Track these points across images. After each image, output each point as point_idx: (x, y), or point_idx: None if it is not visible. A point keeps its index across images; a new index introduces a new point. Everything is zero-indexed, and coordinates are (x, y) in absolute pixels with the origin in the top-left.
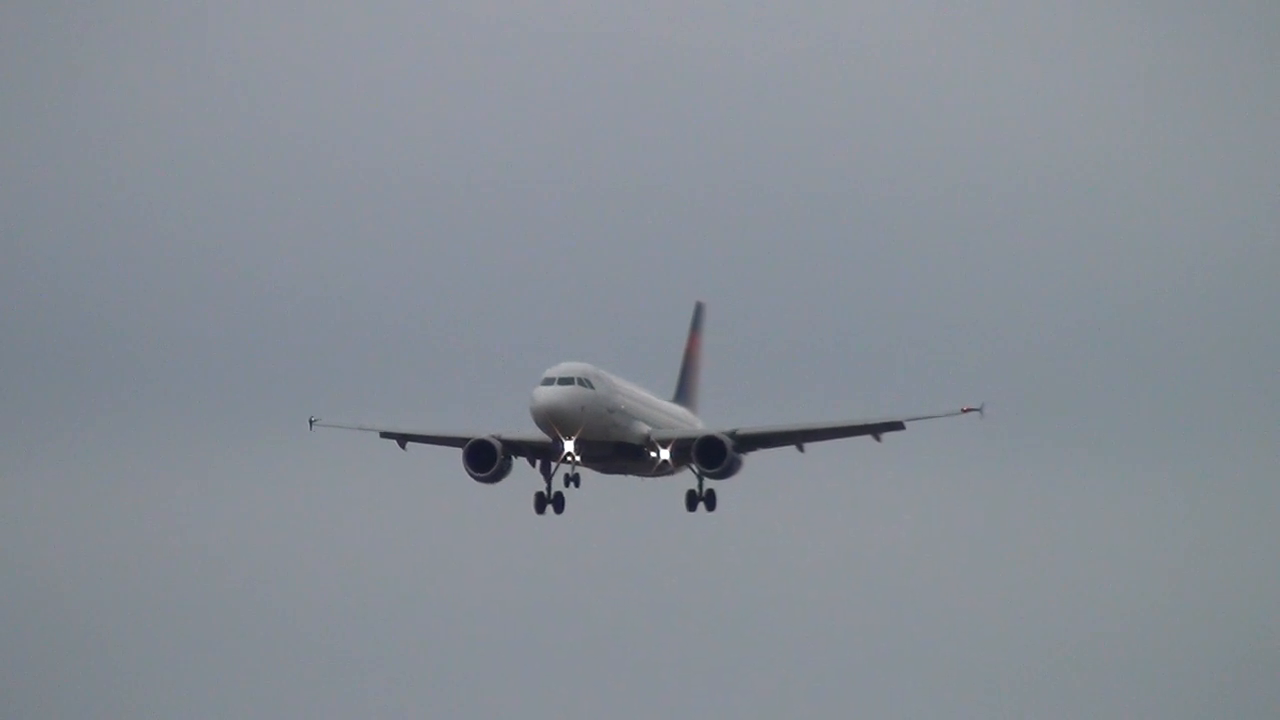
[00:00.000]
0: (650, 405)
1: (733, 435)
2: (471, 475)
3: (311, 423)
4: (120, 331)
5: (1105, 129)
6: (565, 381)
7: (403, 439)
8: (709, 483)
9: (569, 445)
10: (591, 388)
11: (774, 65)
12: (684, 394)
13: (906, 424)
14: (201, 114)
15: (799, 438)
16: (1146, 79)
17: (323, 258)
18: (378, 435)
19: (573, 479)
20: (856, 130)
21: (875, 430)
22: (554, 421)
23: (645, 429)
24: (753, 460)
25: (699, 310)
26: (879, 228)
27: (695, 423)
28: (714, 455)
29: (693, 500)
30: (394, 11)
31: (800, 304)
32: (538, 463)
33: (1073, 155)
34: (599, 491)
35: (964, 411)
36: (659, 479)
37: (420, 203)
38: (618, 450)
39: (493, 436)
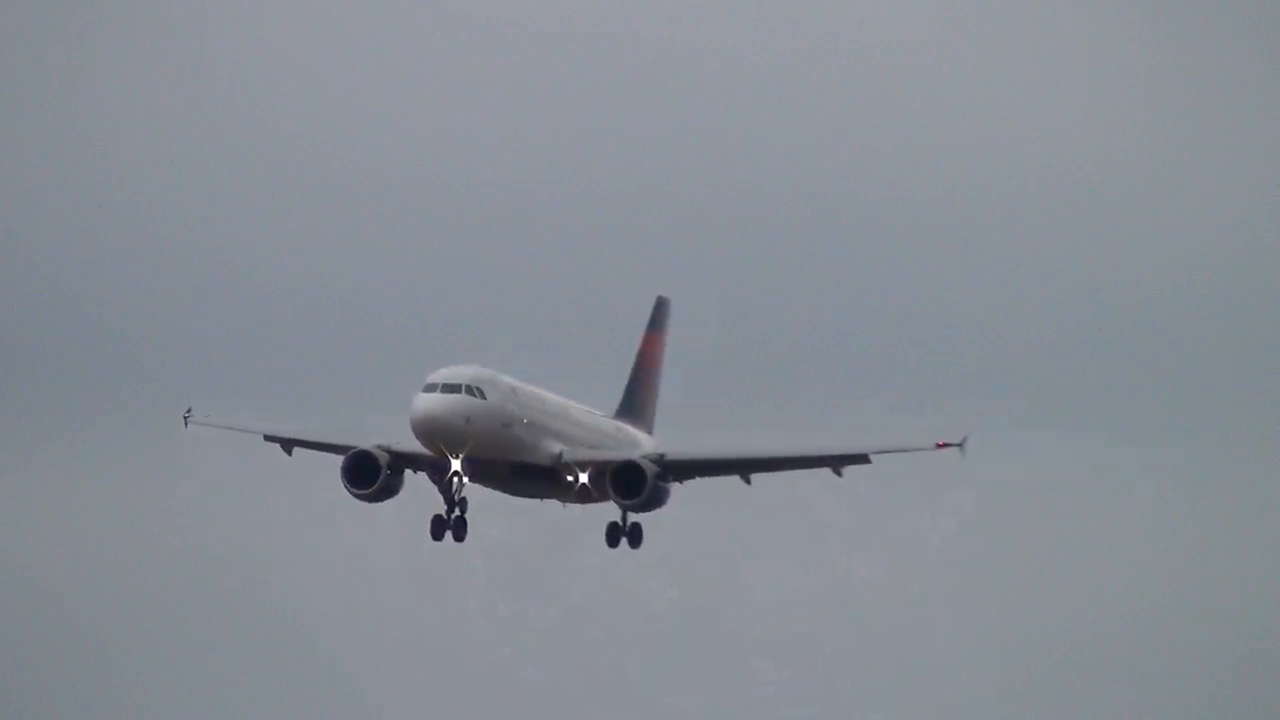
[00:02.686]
0: (568, 419)
1: (660, 461)
2: (350, 491)
3: (186, 419)
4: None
5: (1105, 132)
6: (450, 389)
7: (288, 444)
8: (635, 515)
9: (455, 463)
10: (483, 397)
11: (769, 64)
12: (632, 407)
13: (873, 457)
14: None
15: (743, 467)
16: (1149, 77)
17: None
18: (260, 438)
19: (457, 503)
20: (855, 131)
21: (836, 463)
22: (434, 435)
23: (556, 448)
24: (693, 491)
25: (660, 307)
26: (867, 231)
27: (636, 442)
28: (632, 483)
29: (614, 534)
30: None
31: (778, 313)
32: (440, 480)
33: (1075, 157)
34: (512, 518)
35: (940, 447)
36: (586, 506)
37: (363, 195)
38: (519, 471)
39: (378, 447)
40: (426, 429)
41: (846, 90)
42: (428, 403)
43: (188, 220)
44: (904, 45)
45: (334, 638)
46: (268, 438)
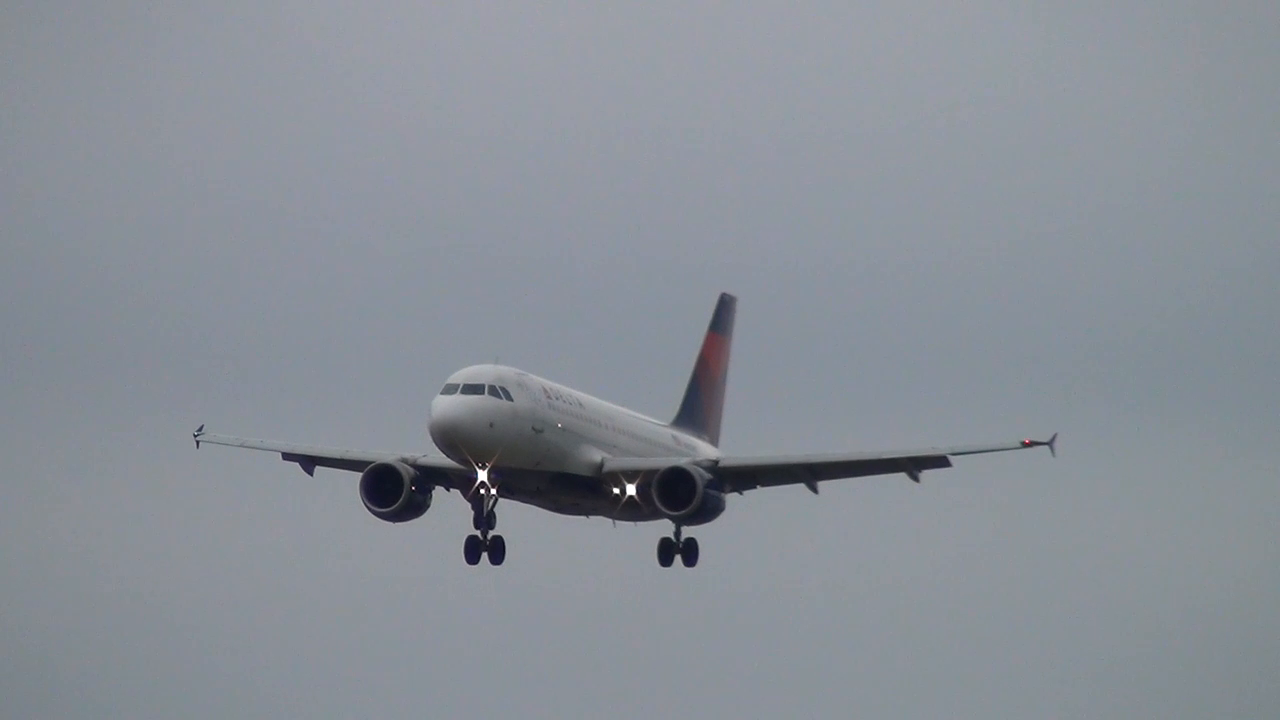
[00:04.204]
0: (611, 425)
1: (713, 468)
2: (371, 510)
3: (197, 438)
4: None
5: (1184, 127)
6: (472, 389)
7: (308, 461)
8: (690, 530)
9: (482, 474)
10: (509, 398)
11: (838, 51)
12: (693, 415)
13: (952, 459)
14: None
15: (809, 473)
16: (1191, 85)
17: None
18: (278, 456)
19: (485, 519)
20: (931, 116)
21: (911, 466)
22: (454, 442)
23: (596, 456)
24: (755, 501)
25: (724, 305)
26: (945, 225)
27: (695, 452)
28: (680, 492)
29: (667, 551)
30: None
31: (851, 311)
32: (475, 497)
33: (1153, 149)
34: (552, 537)
35: (1027, 445)
36: (638, 524)
37: (390, 188)
38: (557, 483)
39: (402, 460)
40: (446, 435)
41: (925, 77)
42: (446, 406)
43: (197, 231)
44: (978, 31)
45: (359, 673)
46: (286, 456)
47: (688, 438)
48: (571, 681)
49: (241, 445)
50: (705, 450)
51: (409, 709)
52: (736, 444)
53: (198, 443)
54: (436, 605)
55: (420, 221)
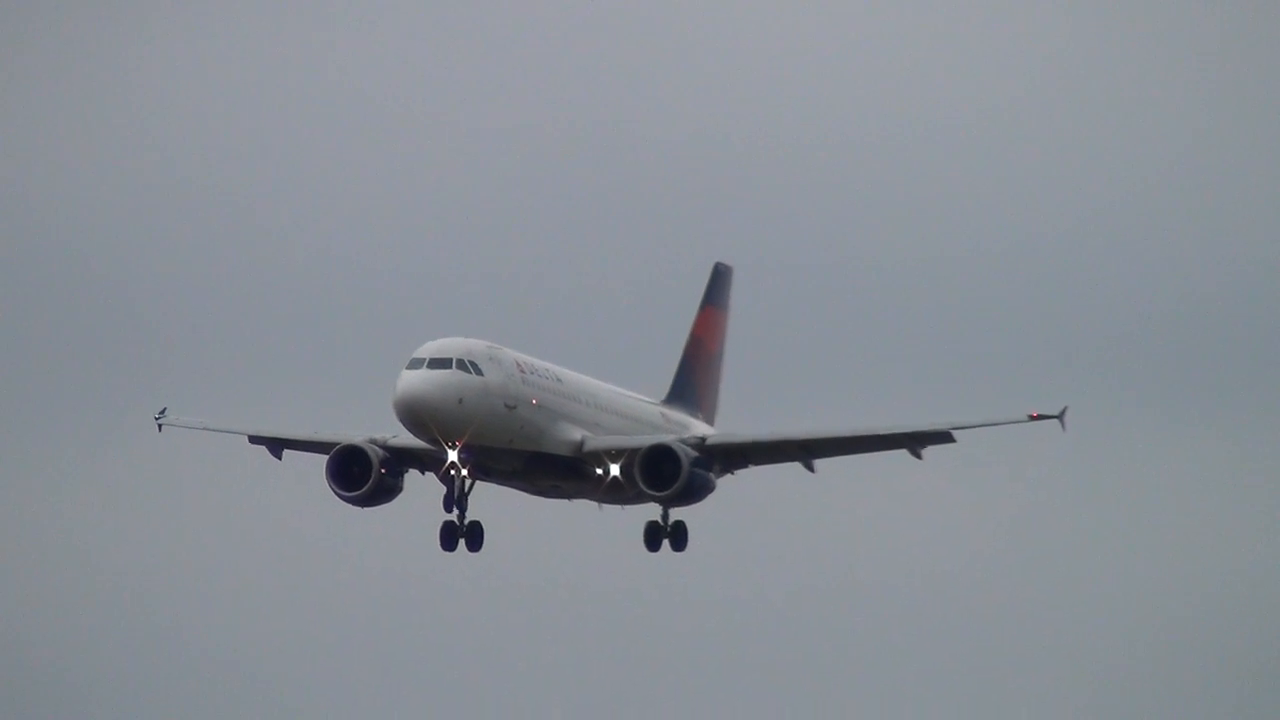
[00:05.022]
0: (592, 401)
1: (700, 446)
2: (338, 494)
3: (159, 421)
4: None
5: (1202, 112)
6: (439, 364)
7: (276, 445)
8: (678, 512)
9: (452, 455)
10: (479, 373)
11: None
12: (686, 393)
13: (956, 435)
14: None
15: (804, 451)
16: (1215, 65)
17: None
18: (244, 440)
19: (455, 502)
20: (939, 85)
21: (913, 442)
22: (420, 419)
23: (576, 434)
24: (748, 481)
25: (720, 277)
26: (949, 191)
27: (687, 429)
28: (665, 472)
29: (654, 535)
30: None
31: (846, 289)
32: (447, 479)
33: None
34: (533, 521)
35: (1034, 419)
36: (625, 507)
37: (365, 156)
38: (535, 464)
39: (371, 441)
40: (411, 412)
41: (932, 42)
42: (412, 381)
43: (159, 210)
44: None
45: (331, 665)
46: (253, 439)
47: (679, 416)
48: (553, 674)
49: (205, 429)
50: (698, 429)
51: (383, 702)
52: (734, 422)
53: (160, 426)
54: (411, 594)
55: (393, 190)
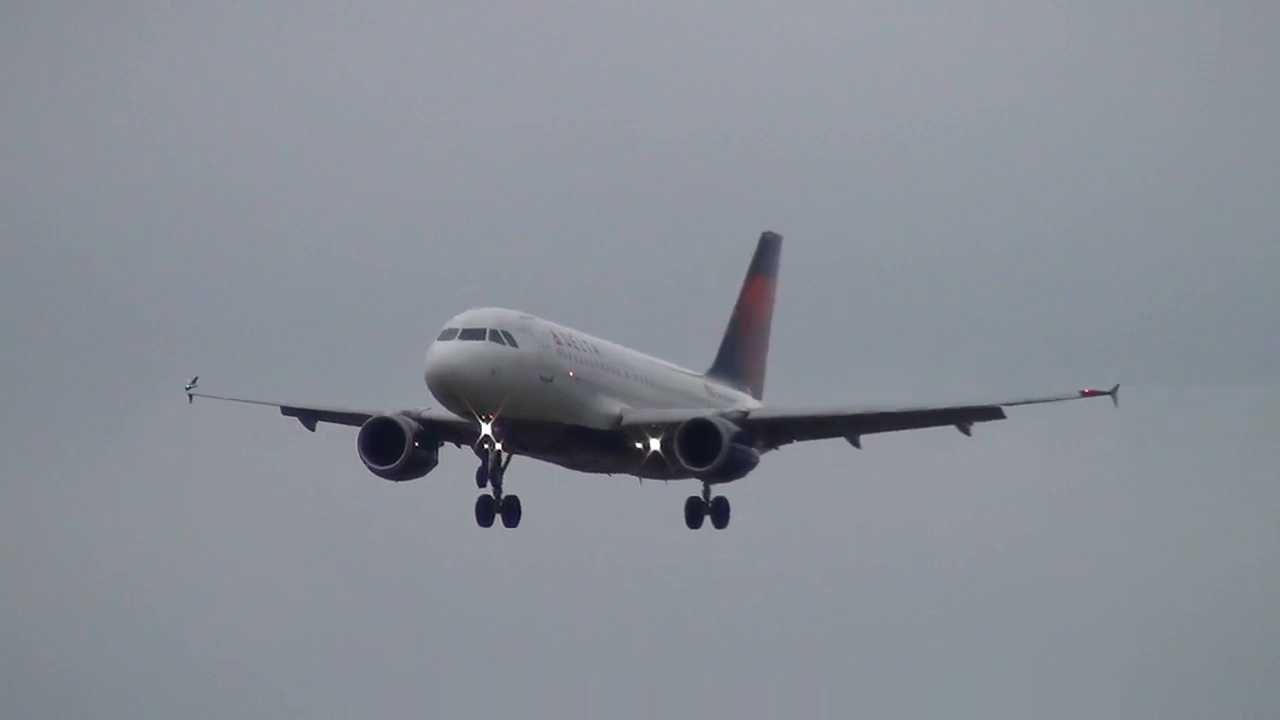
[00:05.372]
0: (632, 373)
1: (742, 420)
2: (370, 467)
3: (190, 392)
4: None
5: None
6: (472, 334)
7: (309, 416)
8: (720, 488)
9: (486, 428)
10: (513, 343)
11: None
12: (732, 365)
13: (1006, 411)
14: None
15: (848, 426)
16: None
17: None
18: (277, 411)
19: (490, 476)
20: (990, 54)
21: (963, 418)
22: (452, 391)
23: (615, 408)
24: (793, 457)
25: (768, 246)
26: (1002, 158)
27: (732, 403)
28: (705, 446)
29: (696, 512)
30: None
31: (897, 259)
32: (482, 453)
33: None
34: (571, 496)
35: (1086, 395)
36: (667, 482)
37: (397, 119)
38: (572, 438)
39: (404, 414)
40: (443, 384)
41: (932, 42)
42: (443, 352)
43: (190, 180)
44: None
45: (365, 644)
46: (285, 410)
47: (724, 389)
48: (591, 654)
49: (237, 400)
50: (744, 402)
51: (417, 681)
52: (782, 396)
53: (190, 397)
54: (446, 570)
55: (429, 156)
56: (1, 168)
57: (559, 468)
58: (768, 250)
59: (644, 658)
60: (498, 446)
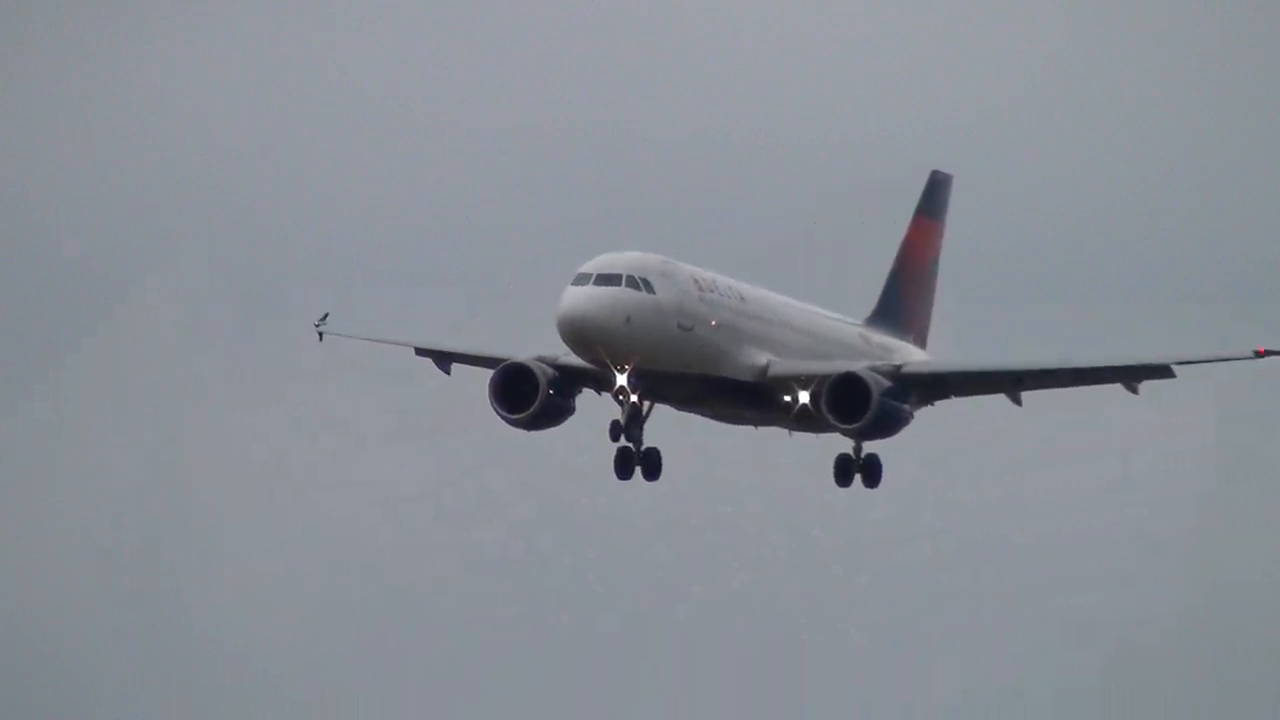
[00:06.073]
0: (781, 321)
1: (894, 374)
2: (501, 415)
3: (320, 330)
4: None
5: None
6: (606, 279)
7: (445, 358)
8: (871, 446)
9: (620, 378)
10: (650, 290)
11: None
12: (894, 313)
13: (1176, 369)
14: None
15: (1009, 383)
16: None
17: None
18: (411, 352)
19: (625, 429)
20: None
21: (1131, 376)
22: (585, 339)
23: (761, 358)
24: (949, 412)
25: (937, 186)
26: (1182, 105)
27: (891, 354)
28: (853, 402)
29: (846, 469)
30: None
31: (1074, 201)
32: (619, 403)
33: None
34: (714, 449)
35: (1261, 355)
36: (819, 435)
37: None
38: (714, 389)
39: (538, 359)
40: (575, 331)
41: (932, 42)
42: (576, 298)
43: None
44: None
45: (499, 599)
46: (419, 351)
47: (883, 339)
48: (731, 614)
49: (369, 339)
50: (907, 353)
51: (557, 641)
52: (948, 347)
53: (320, 335)
54: (580, 526)
55: (429, 156)
56: (1, 168)
57: (702, 419)
58: (937, 190)
59: (787, 619)
60: (633, 397)
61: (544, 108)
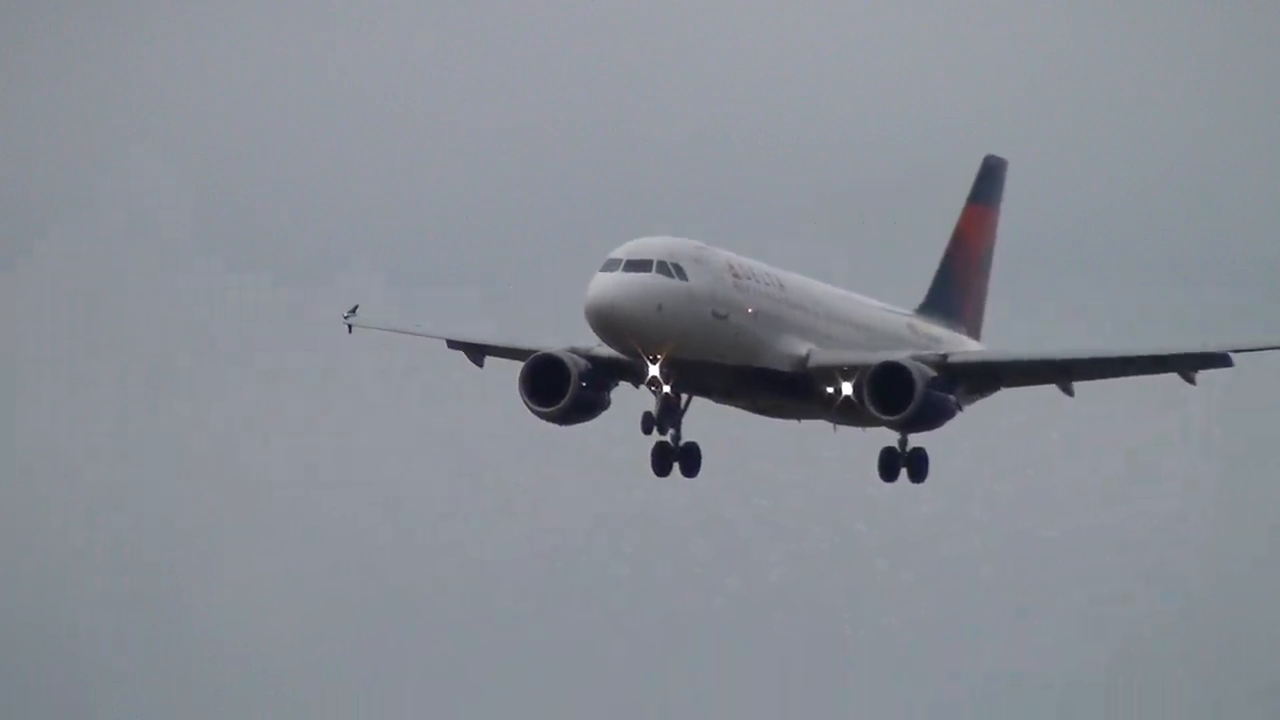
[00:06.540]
0: (822, 310)
1: (940, 364)
2: (531, 408)
3: (349, 322)
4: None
5: None
6: (637, 266)
7: (477, 351)
8: (917, 439)
9: (653, 369)
10: (682, 277)
11: None
12: (945, 302)
13: (1235, 358)
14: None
15: (1060, 373)
16: None
17: None
18: (443, 344)
19: (657, 423)
20: None
21: (1187, 365)
22: (614, 329)
23: (801, 348)
24: (999, 404)
25: (991, 172)
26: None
27: (940, 345)
28: (896, 393)
29: (890, 462)
30: None
31: (1134, 189)
32: (655, 396)
33: None
34: (754, 443)
35: None
36: (865, 429)
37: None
38: (752, 380)
39: (571, 350)
40: (603, 319)
41: (932, 42)
42: (605, 285)
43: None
44: None
45: (539, 599)
46: (451, 344)
47: (931, 328)
48: (773, 611)
49: (398, 331)
50: (956, 344)
51: (594, 638)
52: (1003, 337)
53: (349, 326)
54: (617, 523)
55: (429, 156)
56: (4, 168)
57: (742, 412)
58: (991, 176)
59: (831, 616)
60: (666, 389)
61: (576, 94)
